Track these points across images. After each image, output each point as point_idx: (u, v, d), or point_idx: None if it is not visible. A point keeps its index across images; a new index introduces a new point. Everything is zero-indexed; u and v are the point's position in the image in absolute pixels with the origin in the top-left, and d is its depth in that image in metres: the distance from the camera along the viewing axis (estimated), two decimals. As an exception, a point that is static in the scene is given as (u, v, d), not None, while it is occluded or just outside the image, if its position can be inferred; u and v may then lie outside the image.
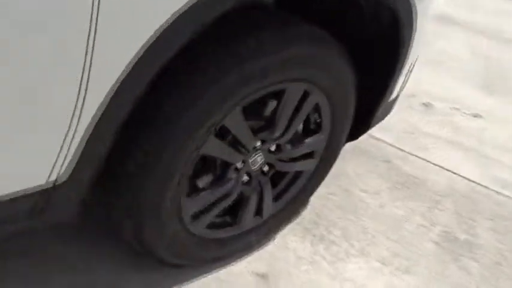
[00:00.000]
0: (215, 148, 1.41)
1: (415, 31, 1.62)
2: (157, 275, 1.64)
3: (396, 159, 2.47)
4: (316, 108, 1.62)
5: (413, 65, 1.89)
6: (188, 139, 1.32)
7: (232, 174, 1.54)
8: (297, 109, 1.55)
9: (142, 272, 1.64)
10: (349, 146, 2.03)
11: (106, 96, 1.10)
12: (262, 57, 1.34)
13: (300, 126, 1.68)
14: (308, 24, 1.47)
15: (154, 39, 1.09)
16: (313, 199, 2.08)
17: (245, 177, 1.61)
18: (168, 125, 1.28)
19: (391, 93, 1.77)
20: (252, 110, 1.46)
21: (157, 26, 1.08)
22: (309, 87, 1.51)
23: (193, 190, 1.48)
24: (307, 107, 1.56)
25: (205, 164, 1.49)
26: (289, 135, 1.58)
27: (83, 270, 1.61)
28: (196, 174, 1.48)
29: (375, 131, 2.35)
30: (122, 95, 1.12)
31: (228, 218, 1.67)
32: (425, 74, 3.14)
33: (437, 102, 3.01)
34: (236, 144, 1.46)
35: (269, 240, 1.85)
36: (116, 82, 1.10)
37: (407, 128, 2.73)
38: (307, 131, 1.68)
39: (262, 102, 1.48)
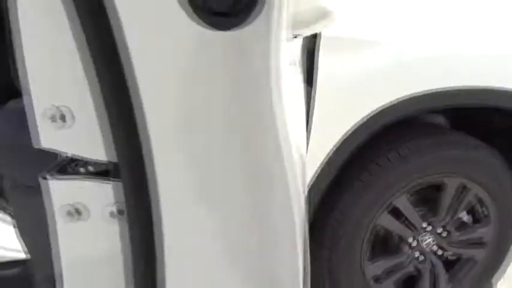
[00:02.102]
0: (387, 221, 1.91)
1: None
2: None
3: None
4: (481, 202, 1.99)
5: None
6: (369, 210, 1.87)
7: (405, 248, 1.99)
8: (457, 200, 1.97)
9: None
10: None
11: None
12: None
13: (469, 217, 2.06)
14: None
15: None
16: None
17: (420, 256, 2.03)
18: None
19: None
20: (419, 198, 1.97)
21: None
22: (466, 182, 1.93)
23: (373, 256, 1.97)
24: (467, 199, 1.96)
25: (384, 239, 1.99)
26: (453, 221, 1.98)
27: None
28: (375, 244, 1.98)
29: None
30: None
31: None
32: None
33: None
34: (405, 221, 1.94)
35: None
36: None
37: None
38: (476, 221, 2.05)
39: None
